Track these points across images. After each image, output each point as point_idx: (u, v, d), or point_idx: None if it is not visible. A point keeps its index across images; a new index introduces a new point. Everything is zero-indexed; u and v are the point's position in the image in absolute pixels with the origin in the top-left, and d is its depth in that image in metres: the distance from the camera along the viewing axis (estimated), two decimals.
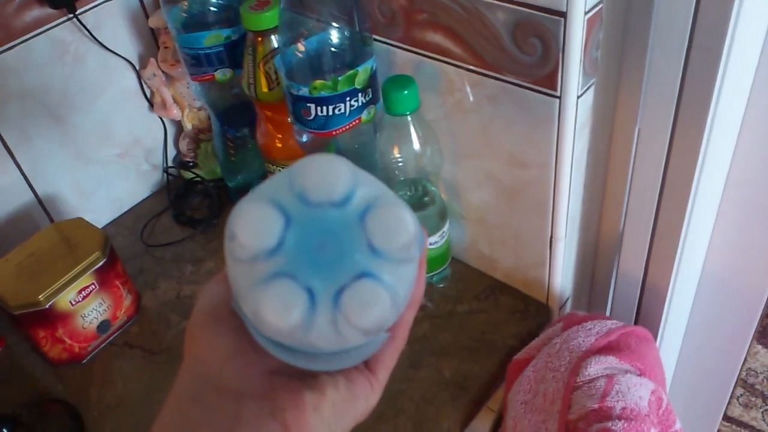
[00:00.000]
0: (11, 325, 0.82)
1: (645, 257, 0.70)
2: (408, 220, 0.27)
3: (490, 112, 0.65)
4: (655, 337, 0.75)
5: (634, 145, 0.66)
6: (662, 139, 0.63)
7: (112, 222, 1.00)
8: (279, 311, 0.26)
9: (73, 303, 0.76)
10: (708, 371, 0.84)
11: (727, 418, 1.83)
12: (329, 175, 0.27)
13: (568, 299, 0.79)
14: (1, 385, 0.80)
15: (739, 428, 1.78)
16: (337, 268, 0.27)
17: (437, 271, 0.79)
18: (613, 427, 0.57)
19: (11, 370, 0.81)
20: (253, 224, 0.27)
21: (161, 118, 1.00)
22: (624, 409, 0.59)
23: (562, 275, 0.74)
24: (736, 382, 1.05)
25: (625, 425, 0.57)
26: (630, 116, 0.65)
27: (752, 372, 0.92)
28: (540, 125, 0.62)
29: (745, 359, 0.88)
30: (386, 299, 0.27)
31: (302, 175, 0.27)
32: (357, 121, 0.68)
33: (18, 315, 0.74)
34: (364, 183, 0.28)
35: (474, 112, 0.67)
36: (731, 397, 1.98)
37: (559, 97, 0.59)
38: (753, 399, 1.01)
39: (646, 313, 0.74)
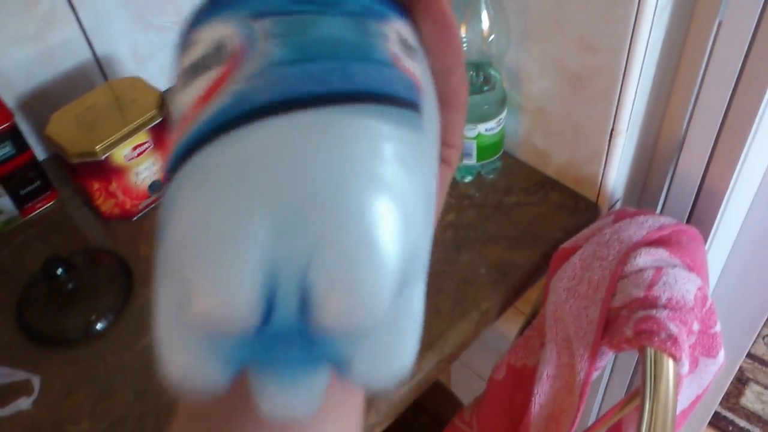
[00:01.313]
0: (66, 177, 0.84)
1: (706, 159, 0.68)
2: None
3: None
4: (705, 242, 0.74)
5: (712, 38, 0.63)
6: (744, 35, 0.60)
7: (165, 92, 1.00)
8: None
9: (128, 158, 0.77)
10: (749, 288, 0.83)
11: (750, 355, 1.83)
12: None
13: (618, 200, 0.78)
14: (54, 234, 0.82)
15: (761, 366, 1.79)
16: None
17: (489, 161, 0.78)
18: (657, 315, 0.57)
19: (64, 221, 0.84)
20: None
21: None
22: (670, 299, 0.58)
23: (616, 172, 0.73)
24: (766, 321, 1.03)
25: (670, 314, 0.57)
26: (712, 5, 0.62)
27: None
28: (619, 4, 0.60)
29: None
30: None
31: None
32: None
33: (75, 164, 0.75)
34: None
35: None
36: (758, 336, 1.96)
37: None
38: None
39: (699, 217, 0.73)
